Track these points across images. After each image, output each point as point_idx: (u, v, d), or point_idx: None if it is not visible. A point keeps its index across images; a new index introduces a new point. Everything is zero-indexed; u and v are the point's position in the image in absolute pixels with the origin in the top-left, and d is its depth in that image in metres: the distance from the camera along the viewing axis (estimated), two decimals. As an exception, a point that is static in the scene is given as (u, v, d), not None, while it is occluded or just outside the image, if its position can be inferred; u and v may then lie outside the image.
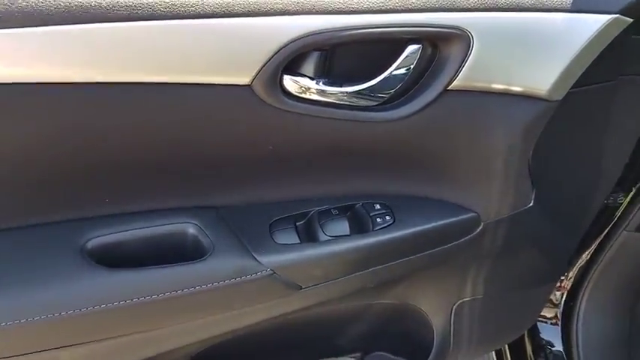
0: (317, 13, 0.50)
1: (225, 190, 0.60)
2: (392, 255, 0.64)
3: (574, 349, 1.04)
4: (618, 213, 0.94)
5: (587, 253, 1.01)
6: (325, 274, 0.62)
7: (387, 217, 0.62)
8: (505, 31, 0.54)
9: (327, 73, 0.54)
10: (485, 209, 0.65)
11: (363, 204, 0.64)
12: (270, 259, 0.58)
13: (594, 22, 0.54)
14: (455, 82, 0.55)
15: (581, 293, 1.03)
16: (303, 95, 0.54)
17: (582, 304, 1.04)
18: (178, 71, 0.48)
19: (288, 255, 0.59)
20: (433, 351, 0.83)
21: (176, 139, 0.53)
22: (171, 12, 0.45)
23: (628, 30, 0.57)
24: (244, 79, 0.50)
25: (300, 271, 0.60)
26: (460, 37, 0.53)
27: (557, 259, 0.89)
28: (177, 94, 0.49)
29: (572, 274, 1.03)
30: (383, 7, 0.51)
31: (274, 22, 0.48)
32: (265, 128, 0.55)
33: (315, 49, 0.52)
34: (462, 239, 0.66)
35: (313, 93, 0.54)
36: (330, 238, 0.61)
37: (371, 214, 0.62)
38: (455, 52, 0.54)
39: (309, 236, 0.61)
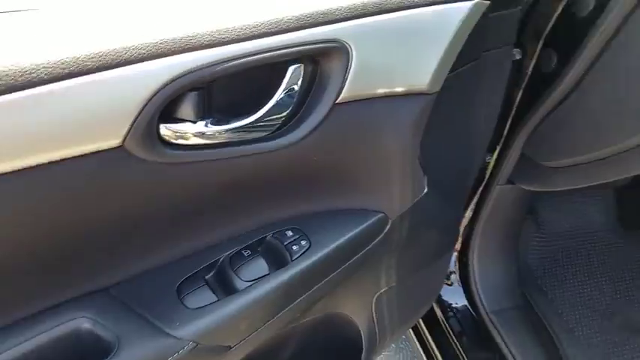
0: (183, 51, 0.43)
1: (118, 263, 0.51)
2: (315, 279, 0.60)
3: (476, 300, 1.13)
4: (488, 171, 1.02)
5: (468, 212, 1.08)
6: (252, 324, 0.56)
7: (303, 242, 0.59)
8: (380, 35, 0.52)
9: (209, 113, 0.48)
10: (390, 207, 0.65)
11: (274, 235, 0.59)
12: (189, 330, 0.51)
13: (458, 10, 0.55)
14: (342, 95, 0.52)
15: (471, 249, 1.12)
16: (186, 142, 0.47)
17: (474, 258, 1.12)
18: (34, 151, 0.38)
19: (207, 318, 0.52)
20: (364, 347, 0.83)
21: (51, 225, 0.43)
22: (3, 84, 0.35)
23: (486, 11, 0.59)
24: (114, 141, 0.42)
25: (225, 332, 0.54)
26: (339, 50, 0.50)
27: (451, 229, 0.93)
28: (42, 175, 0.40)
29: (459, 235, 1.10)
30: (254, 33, 0.46)
31: (136, 70, 0.41)
32: (150, 186, 0.48)
33: (190, 90, 0.45)
34: (375, 241, 0.65)
35: (197, 137, 0.47)
36: (249, 283, 0.55)
37: (285, 244, 0.58)
38: (336, 64, 0.51)
39: (225, 288, 0.55)
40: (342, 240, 0.60)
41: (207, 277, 0.56)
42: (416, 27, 0.53)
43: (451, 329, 1.13)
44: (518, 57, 0.86)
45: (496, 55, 0.71)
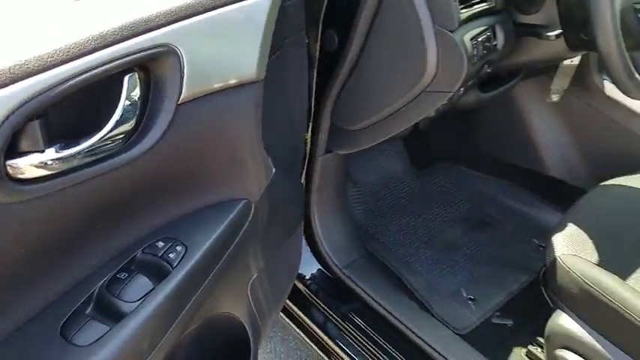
0: (14, 81, 0.41)
1: None
2: (200, 279, 0.62)
3: (327, 261, 1.24)
4: (308, 145, 1.13)
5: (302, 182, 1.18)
6: (153, 340, 0.56)
7: (178, 248, 0.59)
8: (204, 34, 0.56)
9: (54, 139, 0.46)
10: (250, 192, 0.69)
11: (144, 251, 0.59)
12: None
13: (263, 3, 0.61)
14: (183, 96, 0.54)
15: (312, 217, 1.22)
16: (37, 174, 0.45)
17: (317, 225, 1.23)
18: None
19: (105, 350, 0.50)
20: (250, 339, 0.86)
21: None
22: None
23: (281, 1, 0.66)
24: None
25: (130, 357, 0.52)
26: (168, 53, 0.52)
27: (298, 202, 1.02)
28: None
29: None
30: (83, 51, 0.46)
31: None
32: (7, 230, 0.44)
33: (30, 120, 0.43)
34: (243, 228, 0.69)
35: (44, 167, 0.45)
36: (136, 303, 0.54)
37: (160, 255, 0.58)
38: (170, 68, 0.53)
39: (113, 315, 0.53)
40: (215, 235, 0.62)
41: (87, 311, 0.53)
42: (232, 22, 0.58)
43: (314, 294, 1.23)
44: (306, 41, 0.97)
45: (294, 41, 0.79)
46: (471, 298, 1.25)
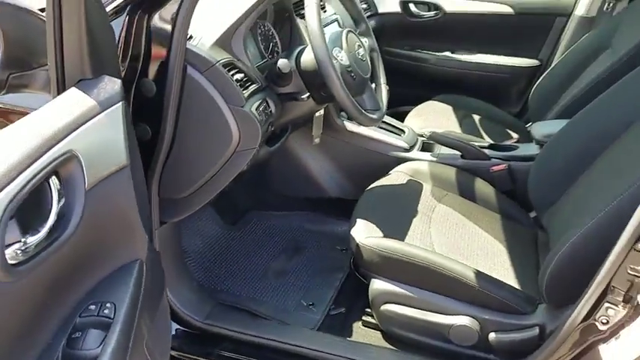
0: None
1: None
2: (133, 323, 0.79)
3: (185, 318, 1.42)
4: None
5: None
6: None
7: (108, 305, 0.77)
8: (90, 136, 0.77)
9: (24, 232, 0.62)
10: (141, 254, 0.89)
11: (81, 315, 0.74)
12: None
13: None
14: (88, 183, 0.74)
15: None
16: (21, 258, 0.61)
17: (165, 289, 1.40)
18: None
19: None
20: None
21: None
22: None
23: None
24: None
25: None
26: (72, 156, 0.72)
27: (160, 265, 1.19)
28: None
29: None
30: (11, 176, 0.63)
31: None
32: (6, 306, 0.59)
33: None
34: (143, 284, 0.88)
35: (26, 252, 0.62)
36: (99, 345, 0.70)
37: (98, 314, 0.75)
38: (75, 167, 0.73)
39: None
40: (130, 290, 0.81)
41: None
42: (105, 125, 0.80)
43: (186, 352, 1.39)
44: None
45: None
46: (310, 304, 1.57)
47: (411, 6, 2.49)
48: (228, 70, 1.22)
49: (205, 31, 1.25)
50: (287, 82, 1.37)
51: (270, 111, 1.33)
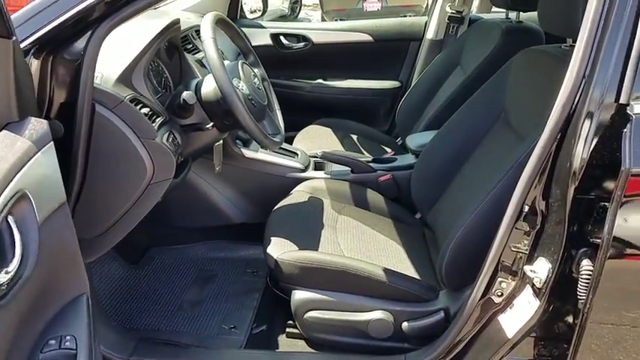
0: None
1: None
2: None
3: (110, 357, 1.37)
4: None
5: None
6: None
7: (68, 337, 0.76)
8: (34, 173, 0.77)
9: None
10: (86, 288, 0.89)
11: (42, 351, 0.74)
12: None
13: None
14: (40, 219, 0.75)
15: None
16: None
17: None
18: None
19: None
20: None
21: None
22: None
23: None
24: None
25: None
26: (24, 195, 0.72)
27: None
28: None
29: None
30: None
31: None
32: None
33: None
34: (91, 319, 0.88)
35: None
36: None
37: (59, 347, 0.75)
38: (27, 205, 0.73)
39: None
40: (85, 322, 0.81)
41: None
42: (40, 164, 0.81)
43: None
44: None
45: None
46: (232, 327, 1.60)
47: (282, 38, 2.68)
48: (135, 105, 1.24)
49: (106, 68, 1.26)
50: (189, 114, 1.43)
51: (178, 142, 1.37)
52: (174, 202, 1.94)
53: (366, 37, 2.65)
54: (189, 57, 1.70)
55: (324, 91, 2.71)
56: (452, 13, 2.53)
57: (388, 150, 2.37)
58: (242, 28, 2.62)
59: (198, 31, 1.96)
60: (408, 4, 8.57)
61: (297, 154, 2.02)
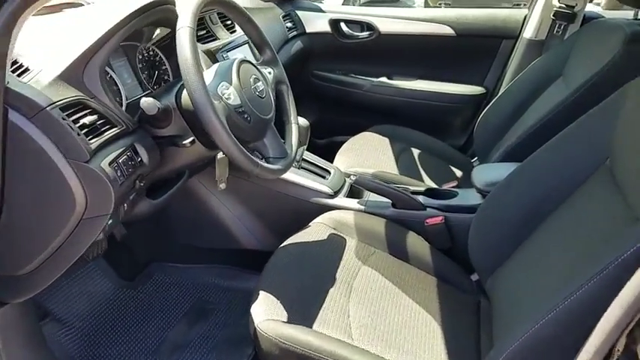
0: None
1: None
2: None
3: None
4: None
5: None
6: None
7: None
8: None
9: None
10: None
11: None
12: None
13: None
14: None
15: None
16: None
17: None
18: None
19: None
20: None
21: None
22: None
23: None
24: None
25: None
26: None
27: None
28: None
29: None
30: None
31: None
32: None
33: None
34: None
35: None
36: None
37: None
38: None
39: None
40: None
41: None
42: None
43: None
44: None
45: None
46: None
47: (342, 25, 2.26)
48: (73, 113, 0.92)
49: (48, 62, 0.95)
50: (165, 123, 1.08)
51: (139, 161, 1.03)
52: (180, 216, 1.63)
53: (447, 30, 2.15)
54: (198, 47, 1.36)
55: (387, 92, 2.26)
56: (560, 7, 1.95)
57: (457, 173, 1.90)
58: (297, 12, 2.26)
59: (221, 15, 1.61)
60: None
61: (330, 173, 1.62)
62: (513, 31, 2.11)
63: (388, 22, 2.18)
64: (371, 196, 1.54)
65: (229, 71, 1.07)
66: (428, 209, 1.47)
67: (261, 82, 1.14)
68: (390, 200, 1.49)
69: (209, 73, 1.08)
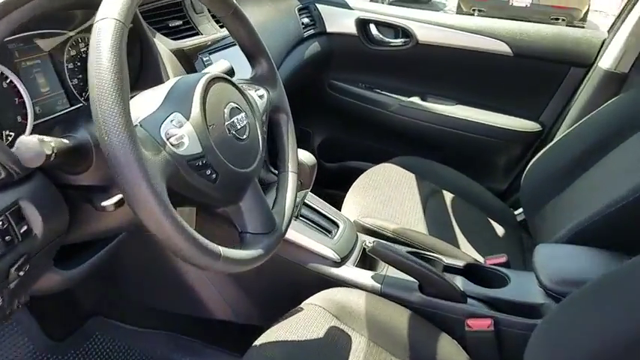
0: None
1: None
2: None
3: None
4: None
5: None
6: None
7: None
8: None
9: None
10: None
11: None
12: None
13: None
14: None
15: None
16: None
17: None
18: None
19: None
20: None
21: None
22: None
23: None
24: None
25: None
26: None
27: None
28: None
29: None
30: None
31: None
32: None
33: None
34: None
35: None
36: None
37: None
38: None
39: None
40: None
41: None
42: None
43: None
44: None
45: None
46: None
47: (372, 28, 1.82)
48: None
49: None
50: (80, 168, 0.66)
51: (24, 232, 0.62)
52: (134, 264, 1.22)
53: (502, 47, 1.71)
54: (162, 44, 0.95)
55: (418, 116, 1.82)
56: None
57: (498, 230, 1.48)
58: (317, 5, 1.83)
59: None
60: (562, 5, 7.13)
61: (339, 227, 1.20)
62: (586, 57, 1.67)
63: (428, 29, 1.74)
64: (390, 269, 1.12)
65: (189, 94, 0.65)
66: (469, 301, 1.04)
67: (243, 115, 0.71)
68: (416, 281, 1.07)
69: (154, 96, 0.66)
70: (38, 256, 0.67)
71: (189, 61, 0.99)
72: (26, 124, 0.72)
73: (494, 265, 1.20)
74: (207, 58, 1.04)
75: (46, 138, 0.58)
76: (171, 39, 0.98)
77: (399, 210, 1.41)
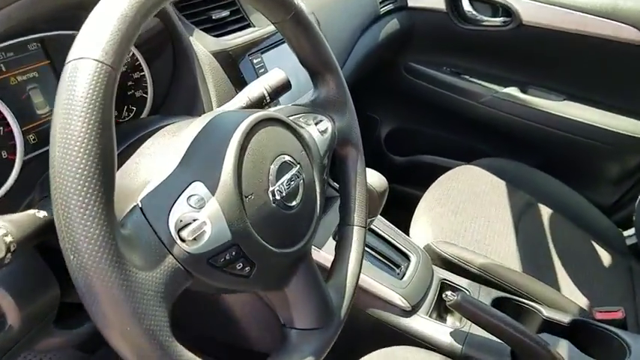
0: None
1: None
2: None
3: None
4: None
5: None
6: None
7: None
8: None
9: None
10: None
11: None
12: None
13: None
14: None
15: None
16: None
17: None
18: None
19: None
20: None
21: None
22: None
23: None
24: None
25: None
26: None
27: None
28: None
29: None
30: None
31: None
32: None
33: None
34: None
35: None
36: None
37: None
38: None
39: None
40: None
41: None
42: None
43: None
44: None
45: None
46: None
47: (464, 2, 1.53)
48: None
49: None
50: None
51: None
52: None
53: (628, 32, 1.38)
54: (200, 43, 0.75)
55: (514, 111, 1.54)
56: None
57: (605, 258, 1.24)
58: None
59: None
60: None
61: (410, 260, 0.99)
62: None
63: (536, 7, 1.43)
64: (473, 327, 0.91)
65: (220, 151, 0.45)
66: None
67: (295, 170, 0.51)
68: (507, 345, 0.86)
69: (171, 147, 0.47)
70: (20, 344, 0.52)
71: (233, 64, 0.78)
72: (14, 162, 0.55)
73: (607, 321, 0.96)
74: (259, 59, 0.82)
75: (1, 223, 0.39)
76: (213, 35, 0.78)
77: (485, 231, 1.18)
